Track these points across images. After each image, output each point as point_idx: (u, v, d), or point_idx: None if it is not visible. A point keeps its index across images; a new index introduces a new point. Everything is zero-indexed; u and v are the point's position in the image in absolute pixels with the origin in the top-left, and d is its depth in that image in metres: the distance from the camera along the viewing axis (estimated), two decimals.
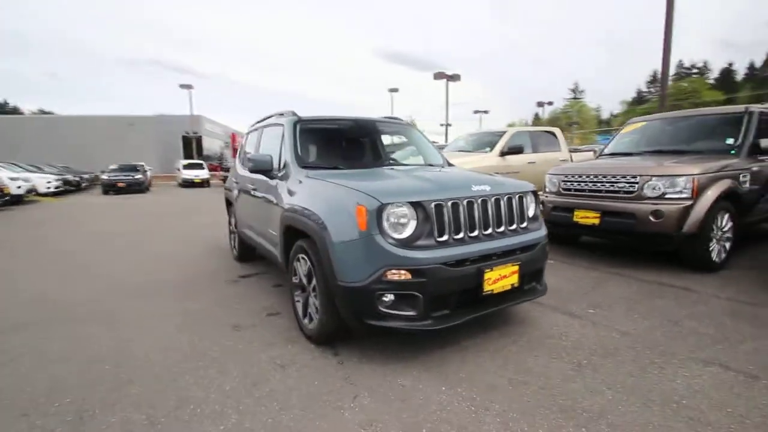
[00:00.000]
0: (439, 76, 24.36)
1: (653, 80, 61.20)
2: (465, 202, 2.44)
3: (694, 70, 57.63)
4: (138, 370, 2.41)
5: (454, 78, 24.78)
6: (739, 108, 4.87)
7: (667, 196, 4.01)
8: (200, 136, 34.16)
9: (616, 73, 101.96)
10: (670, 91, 54.06)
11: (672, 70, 60.57)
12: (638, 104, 57.31)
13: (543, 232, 2.84)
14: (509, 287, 2.52)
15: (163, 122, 34.60)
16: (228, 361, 2.51)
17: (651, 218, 4.01)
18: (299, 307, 2.89)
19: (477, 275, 2.35)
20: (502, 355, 2.51)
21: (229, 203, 5.35)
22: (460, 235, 2.40)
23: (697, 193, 3.94)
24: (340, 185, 2.59)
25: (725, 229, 4.17)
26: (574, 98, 64.88)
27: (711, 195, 3.98)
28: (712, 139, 4.83)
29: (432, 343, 2.65)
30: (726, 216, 4.17)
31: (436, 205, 2.35)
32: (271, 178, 3.39)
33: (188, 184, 21.47)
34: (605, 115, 61.62)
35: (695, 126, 5.15)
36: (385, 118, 4.28)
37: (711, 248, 4.05)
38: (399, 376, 2.28)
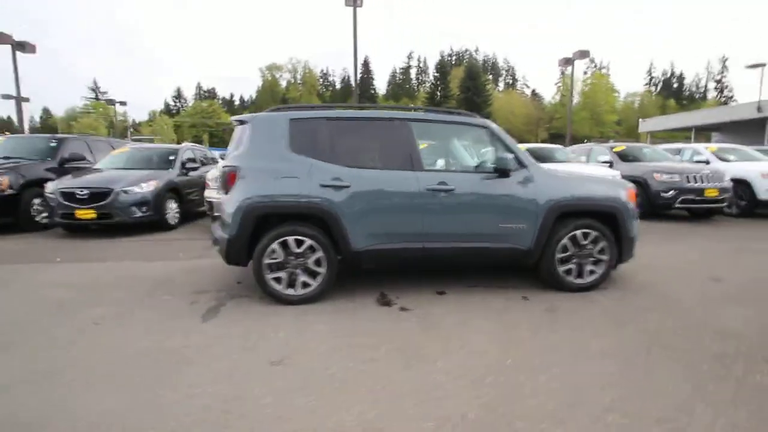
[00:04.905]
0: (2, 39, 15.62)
1: (178, 96, 67.53)
2: None
3: (208, 94, 69.08)
4: None
5: (25, 48, 16.59)
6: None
7: None
8: None
9: (145, 83, 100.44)
10: (194, 110, 61.37)
11: (193, 91, 68.88)
12: (170, 115, 61.19)
13: None
14: None
15: None
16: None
17: None
18: (564, 273, 3.76)
19: None
20: None
21: (302, 218, 3.51)
22: None
23: None
24: (606, 178, 4.62)
25: None
26: (96, 99, 58.97)
27: None
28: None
29: None
30: None
31: None
32: (507, 176, 3.69)
33: None
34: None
35: None
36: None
37: None
38: None
